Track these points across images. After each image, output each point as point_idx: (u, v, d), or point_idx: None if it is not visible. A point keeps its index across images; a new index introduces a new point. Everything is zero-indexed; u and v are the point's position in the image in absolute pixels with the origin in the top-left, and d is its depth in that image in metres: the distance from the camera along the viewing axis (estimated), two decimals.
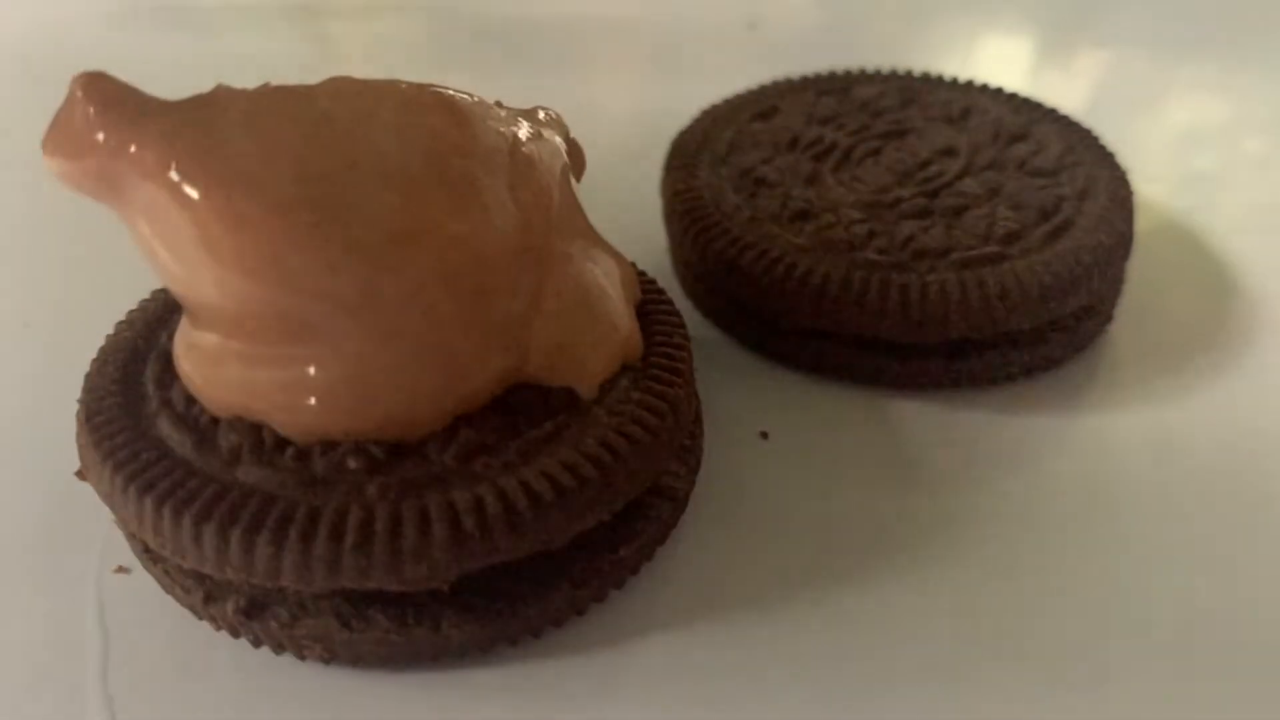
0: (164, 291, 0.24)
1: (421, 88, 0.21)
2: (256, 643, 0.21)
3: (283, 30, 0.49)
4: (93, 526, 0.24)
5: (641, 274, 0.26)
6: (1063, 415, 0.28)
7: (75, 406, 0.22)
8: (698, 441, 0.25)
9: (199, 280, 0.20)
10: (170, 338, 0.23)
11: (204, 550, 0.19)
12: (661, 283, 0.26)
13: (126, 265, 0.22)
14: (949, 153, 0.30)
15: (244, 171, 0.19)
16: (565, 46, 0.47)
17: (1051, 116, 0.33)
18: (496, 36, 0.47)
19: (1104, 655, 0.22)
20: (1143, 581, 0.23)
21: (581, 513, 0.20)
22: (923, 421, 0.27)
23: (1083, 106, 0.35)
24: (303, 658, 0.21)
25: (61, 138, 0.19)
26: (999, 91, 0.34)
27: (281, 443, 0.20)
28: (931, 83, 0.34)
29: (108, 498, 0.21)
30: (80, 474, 0.22)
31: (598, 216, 0.25)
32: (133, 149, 0.19)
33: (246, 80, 0.21)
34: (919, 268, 0.27)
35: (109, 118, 0.19)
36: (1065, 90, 0.43)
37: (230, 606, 0.21)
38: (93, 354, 0.24)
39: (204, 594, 0.21)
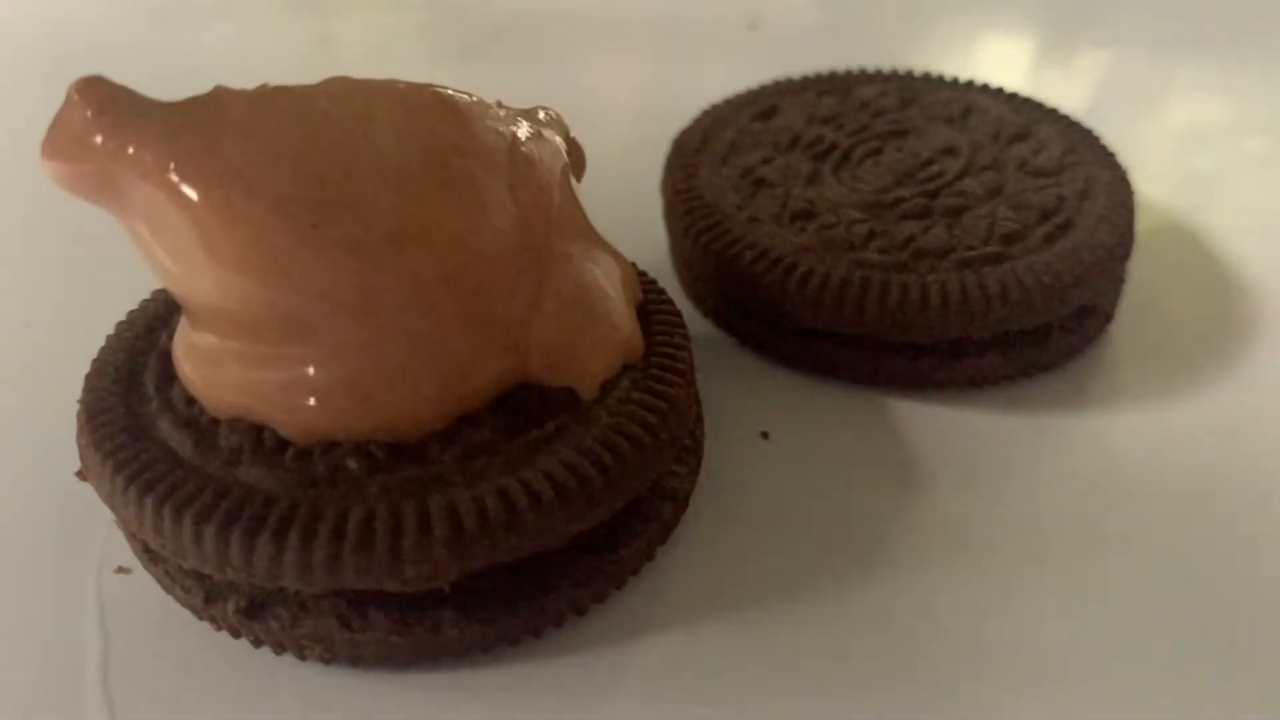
0: (164, 292, 0.24)
1: (421, 88, 0.21)
2: (257, 643, 0.21)
3: (282, 30, 0.49)
4: (93, 527, 0.24)
5: (642, 274, 0.26)
6: (1063, 415, 0.28)
7: (76, 407, 0.22)
8: (698, 441, 0.25)
9: (199, 281, 0.20)
10: (170, 338, 0.23)
11: (204, 550, 0.19)
12: (662, 282, 0.26)
13: (127, 266, 0.22)
14: (949, 153, 0.30)
15: (243, 172, 0.19)
16: (566, 46, 0.47)
17: (1052, 116, 0.33)
18: (497, 36, 0.47)
19: (1105, 655, 0.22)
20: (1143, 581, 0.23)
21: (582, 513, 0.20)
22: (923, 421, 0.27)
23: (1083, 106, 0.35)
24: (303, 658, 0.21)
25: (60, 141, 0.19)
26: (999, 91, 0.34)
27: (282, 443, 0.20)
28: (932, 83, 0.34)
29: (108, 498, 0.21)
30: (80, 474, 0.22)
31: (598, 216, 0.25)
32: (131, 150, 0.19)
33: (245, 81, 0.21)
34: (919, 268, 0.27)
35: (107, 120, 0.19)
36: (1066, 90, 0.43)
37: (231, 607, 0.21)
38: (93, 354, 0.24)
39: (204, 594, 0.21)
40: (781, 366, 0.29)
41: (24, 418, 0.27)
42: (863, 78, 0.35)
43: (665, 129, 0.33)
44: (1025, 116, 0.32)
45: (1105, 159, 0.31)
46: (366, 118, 0.20)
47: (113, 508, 0.21)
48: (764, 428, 0.27)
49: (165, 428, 0.21)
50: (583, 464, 0.20)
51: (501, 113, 0.22)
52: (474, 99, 0.22)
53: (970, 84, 0.34)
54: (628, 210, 0.29)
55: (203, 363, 0.21)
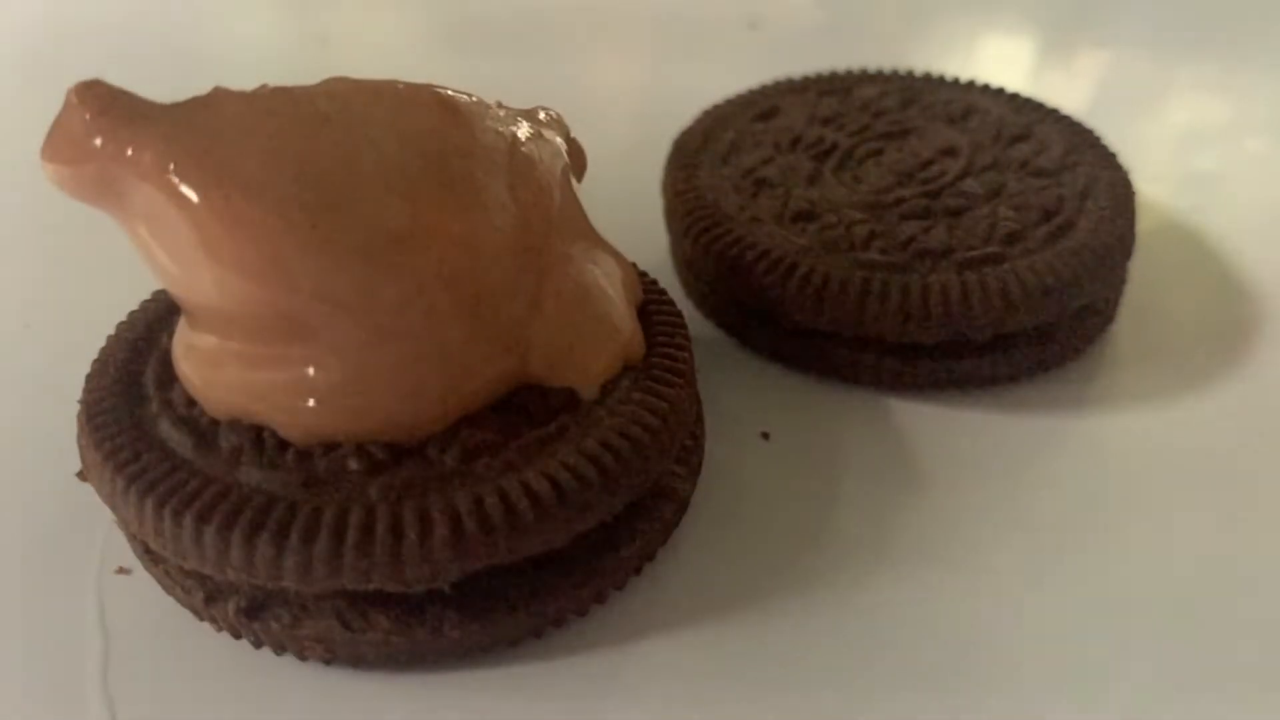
0: (165, 292, 0.24)
1: (420, 88, 0.21)
2: (257, 643, 0.21)
3: (282, 30, 0.49)
4: (93, 527, 0.24)
5: (643, 274, 0.26)
6: (1064, 415, 0.28)
7: (76, 407, 0.22)
8: (699, 442, 0.25)
9: (199, 282, 0.20)
10: (171, 338, 0.23)
11: (205, 551, 0.19)
12: (663, 283, 0.26)
13: (127, 266, 0.22)
14: (950, 153, 0.30)
15: (243, 173, 0.19)
16: (566, 46, 0.47)
17: (1053, 117, 0.33)
18: (497, 36, 0.47)
19: (1105, 656, 0.22)
20: (1144, 582, 0.23)
21: (582, 513, 0.20)
22: (924, 422, 0.27)
23: (1084, 106, 0.35)
24: (304, 658, 0.21)
25: (60, 144, 0.19)
26: (1000, 92, 0.34)
27: (282, 444, 0.20)
28: (933, 83, 0.34)
29: (109, 499, 0.21)
30: (81, 475, 0.22)
31: (599, 217, 0.24)
32: (130, 152, 0.19)
33: (245, 81, 0.21)
34: (920, 268, 0.27)
35: (106, 122, 0.19)
36: (1067, 90, 0.43)
37: (231, 607, 0.21)
38: (94, 355, 0.24)
39: (205, 595, 0.21)
40: (782, 367, 0.29)
41: (24, 418, 0.27)
42: (863, 78, 0.35)
43: (666, 129, 0.33)
44: (1026, 117, 0.32)
45: (1106, 159, 0.31)
46: (366, 118, 0.20)
47: (113, 508, 0.21)
48: (764, 428, 0.27)
49: (166, 428, 0.21)
50: (583, 465, 0.20)
51: (501, 113, 0.22)
52: (474, 99, 0.22)
53: (971, 84, 0.34)
54: (628, 211, 0.29)
55: (202, 364, 0.21)
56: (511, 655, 0.22)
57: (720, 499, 0.25)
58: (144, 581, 0.23)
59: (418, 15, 0.50)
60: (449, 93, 0.22)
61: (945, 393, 0.28)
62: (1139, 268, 0.31)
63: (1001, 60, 0.48)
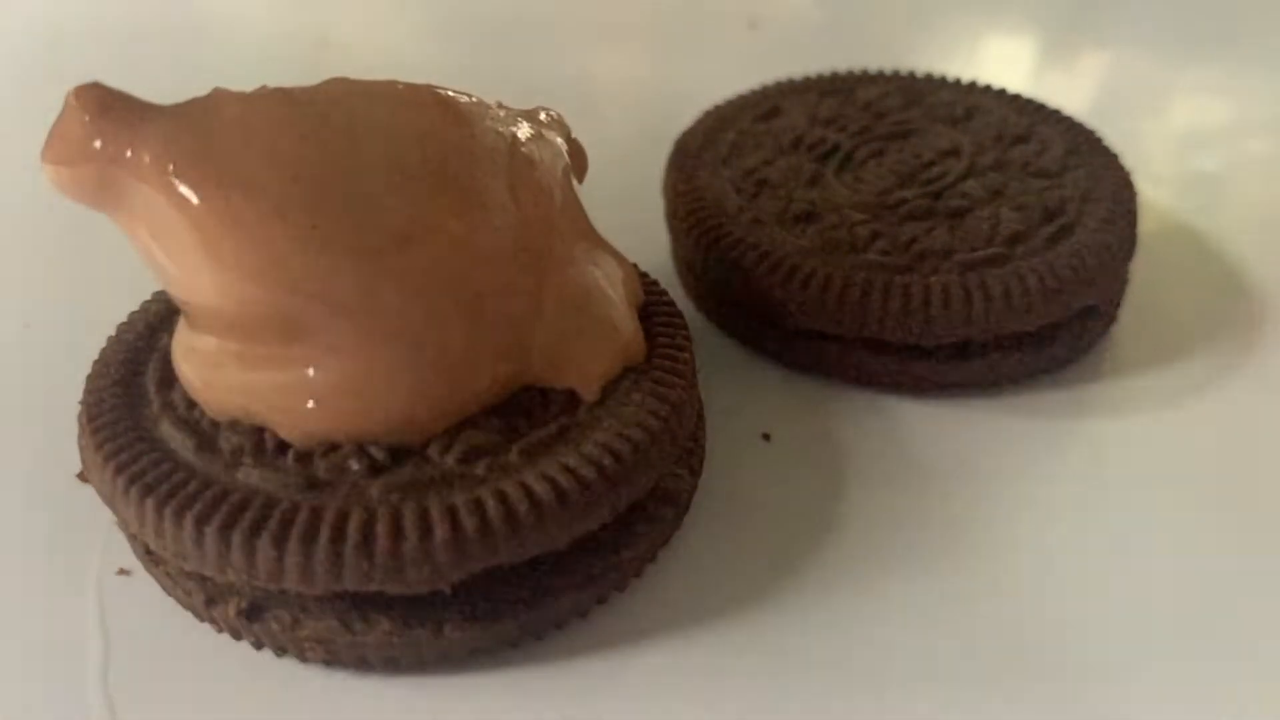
0: (165, 293, 0.24)
1: (420, 88, 0.21)
2: (258, 645, 0.21)
3: (282, 30, 0.49)
4: (94, 528, 0.24)
5: (644, 275, 0.25)
6: (1066, 417, 0.27)
7: (77, 408, 0.22)
8: (700, 443, 0.25)
9: (199, 283, 0.20)
10: (171, 339, 0.23)
11: (205, 552, 0.19)
12: (664, 284, 0.26)
13: (128, 267, 0.22)
14: (952, 154, 0.30)
15: (242, 174, 0.19)
16: (567, 46, 0.47)
17: (1055, 117, 0.33)
18: (498, 36, 0.47)
19: (1107, 656, 0.22)
20: (1146, 583, 0.23)
21: (583, 516, 0.20)
22: (926, 424, 0.27)
23: (1086, 107, 0.35)
24: (304, 660, 0.21)
25: (60, 147, 0.19)
26: (1002, 92, 0.34)
27: (283, 445, 0.20)
28: (934, 84, 0.34)
29: (109, 500, 0.21)
30: (82, 476, 0.22)
31: (600, 218, 0.24)
32: (129, 153, 0.19)
33: (245, 82, 0.21)
34: (922, 269, 0.27)
35: (105, 124, 0.19)
36: (1068, 91, 0.43)
37: (232, 609, 0.21)
38: (94, 355, 0.24)
39: (205, 596, 0.21)
40: (783, 368, 0.29)
41: (25, 419, 0.27)
42: (865, 78, 0.35)
43: (667, 130, 0.33)
44: (1028, 118, 0.32)
45: (1108, 160, 0.31)
46: (366, 119, 0.20)
47: (114, 509, 0.21)
48: (765, 429, 0.27)
49: (166, 429, 0.21)
50: (584, 467, 0.20)
51: (502, 113, 0.22)
52: (474, 99, 0.22)
53: (973, 85, 0.34)
54: (629, 211, 0.29)
55: (202, 365, 0.21)
56: (512, 657, 0.21)
57: (721, 500, 0.25)
58: (144, 583, 0.23)
59: (418, 15, 0.50)
60: (449, 93, 0.22)
61: (947, 394, 0.28)
62: (1141, 269, 0.31)
63: (1003, 61, 0.48)
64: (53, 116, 0.20)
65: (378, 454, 0.20)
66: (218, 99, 0.20)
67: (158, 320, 0.24)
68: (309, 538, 0.19)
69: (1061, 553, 0.24)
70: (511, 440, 0.21)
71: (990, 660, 0.22)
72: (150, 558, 0.22)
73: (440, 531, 0.19)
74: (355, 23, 0.50)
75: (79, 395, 0.23)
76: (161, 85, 0.22)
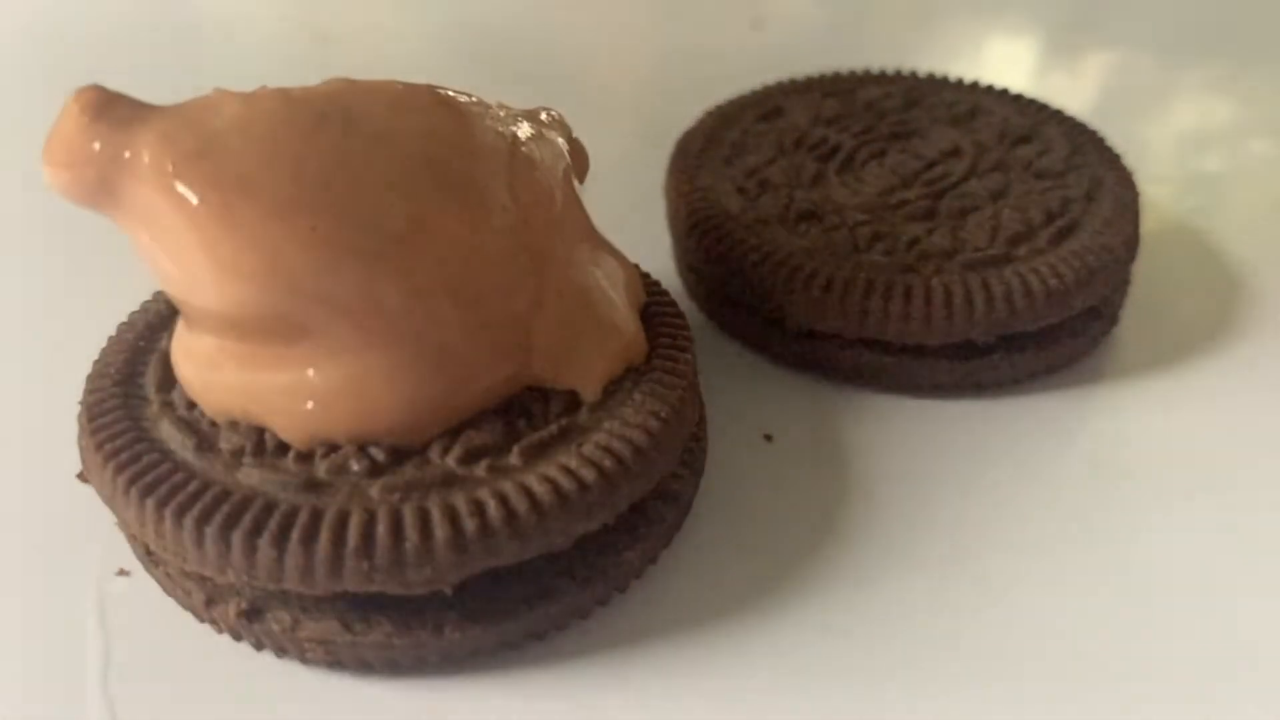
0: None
1: (419, 88, 0.21)
2: (258, 646, 0.21)
3: (282, 30, 0.49)
4: (94, 529, 0.23)
5: (645, 276, 0.25)
6: (1068, 418, 0.27)
7: (76, 408, 0.22)
8: (701, 444, 0.25)
9: (198, 284, 0.19)
10: (171, 339, 0.23)
11: (205, 553, 0.19)
12: (665, 284, 0.26)
13: (128, 267, 0.21)
14: (954, 154, 0.30)
15: (242, 175, 0.19)
16: (568, 46, 0.47)
17: (1057, 118, 0.32)
18: (499, 36, 0.47)
19: (1108, 657, 0.22)
20: (1148, 584, 0.23)
21: (584, 517, 0.20)
22: (928, 424, 0.27)
23: (1089, 107, 0.35)
24: (305, 661, 0.21)
25: (59, 148, 0.19)
26: (1004, 93, 0.34)
27: (283, 445, 0.20)
28: (937, 84, 0.34)
29: (109, 500, 0.21)
30: (81, 476, 0.22)
31: (601, 218, 0.24)
32: (128, 155, 0.19)
33: (244, 82, 0.21)
34: (924, 270, 0.27)
35: (104, 125, 0.19)
36: (1071, 91, 0.43)
37: (232, 609, 0.21)
38: (94, 355, 0.23)
39: (205, 597, 0.21)
40: (785, 369, 0.29)
41: (25, 419, 0.27)
42: (867, 79, 0.35)
43: (668, 130, 0.33)
44: (1030, 118, 0.32)
45: (1111, 160, 0.31)
46: (366, 118, 0.20)
47: (114, 510, 0.21)
48: (767, 430, 0.27)
49: (166, 429, 0.21)
50: (585, 468, 0.20)
51: (502, 113, 0.22)
52: (474, 99, 0.22)
53: (975, 85, 0.34)
54: (631, 212, 0.29)
55: (201, 365, 0.21)
56: (513, 658, 0.21)
57: (723, 501, 0.25)
58: (144, 583, 0.22)
59: (418, 15, 0.50)
60: (449, 93, 0.22)
61: (948, 394, 0.28)
62: (1143, 270, 0.30)
63: (1006, 61, 0.48)
64: (52, 117, 0.20)
65: (378, 455, 0.20)
66: (217, 99, 0.20)
67: (158, 320, 0.24)
68: (309, 538, 0.19)
69: (1062, 553, 0.24)
70: (512, 441, 0.21)
71: (991, 660, 0.22)
72: (150, 558, 0.22)
73: (441, 532, 0.19)
74: (355, 22, 0.50)
75: (79, 395, 0.23)
76: (161, 85, 0.22)
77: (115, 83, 0.20)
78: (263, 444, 0.20)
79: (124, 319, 0.24)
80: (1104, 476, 0.26)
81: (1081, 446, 0.27)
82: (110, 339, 0.24)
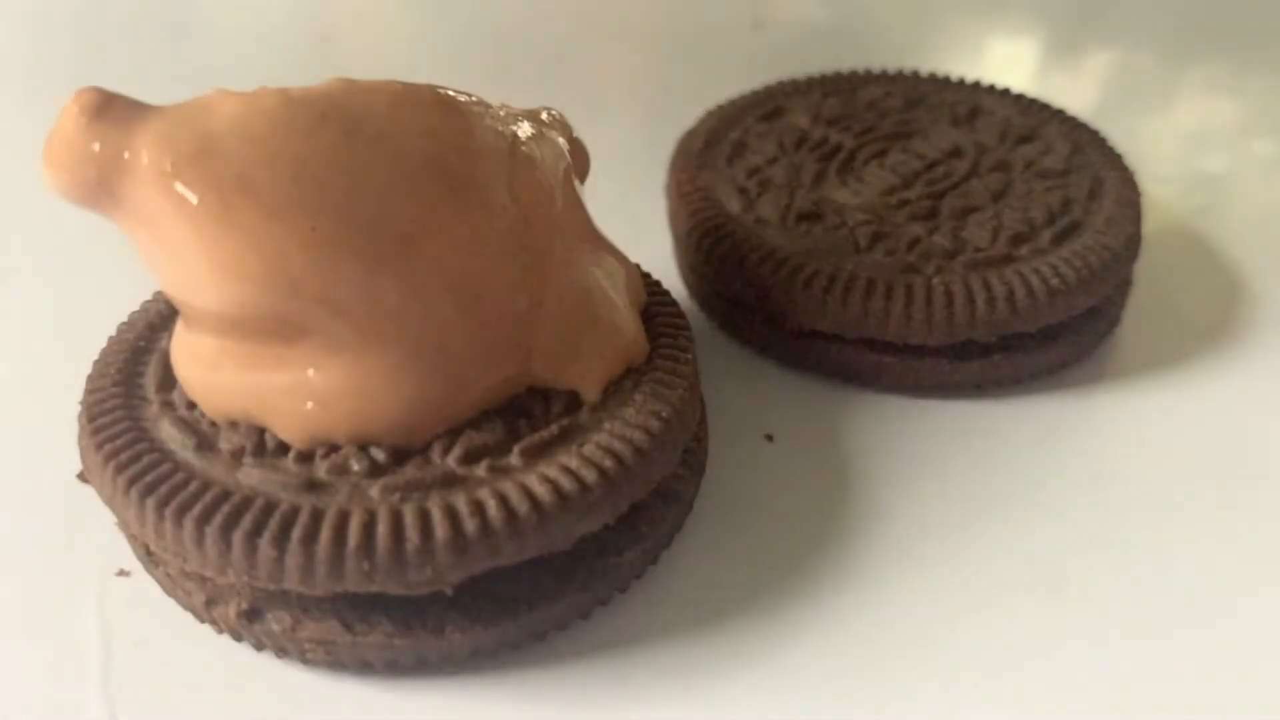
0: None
1: (420, 88, 0.21)
2: (259, 646, 0.21)
3: (282, 30, 0.49)
4: (94, 529, 0.23)
5: (646, 276, 0.25)
6: (1069, 418, 0.27)
7: (76, 408, 0.22)
8: (702, 444, 0.24)
9: (198, 285, 0.19)
10: (171, 340, 0.23)
11: (206, 553, 0.19)
12: (666, 284, 0.26)
13: (128, 267, 0.21)
14: (956, 154, 0.30)
15: (241, 175, 0.19)
16: (569, 46, 0.47)
17: (1059, 117, 0.32)
18: (500, 35, 0.47)
19: (1108, 657, 0.21)
20: (1149, 584, 0.23)
21: (584, 517, 0.20)
22: (928, 424, 0.27)
23: (1091, 107, 0.35)
24: (305, 661, 0.21)
25: (58, 150, 0.19)
26: (1006, 92, 0.34)
27: (283, 445, 0.20)
28: (938, 83, 0.34)
29: (109, 500, 0.21)
30: (82, 476, 0.22)
31: (602, 217, 0.24)
32: (128, 156, 0.19)
33: (244, 82, 0.21)
34: (926, 270, 0.27)
35: (103, 126, 0.19)
36: (1073, 91, 0.43)
37: (232, 610, 0.21)
38: (94, 355, 0.23)
39: (206, 597, 0.21)
40: (786, 369, 0.29)
41: (25, 419, 0.27)
42: (869, 78, 0.35)
43: (669, 130, 0.33)
44: (1032, 118, 0.32)
45: (1112, 160, 0.31)
46: (366, 118, 0.20)
47: (114, 510, 0.21)
48: (768, 430, 0.27)
49: (167, 429, 0.21)
50: (585, 468, 0.20)
51: (502, 113, 0.22)
52: (474, 99, 0.22)
53: (977, 85, 0.34)
54: (632, 212, 0.29)
55: (201, 366, 0.21)
56: (514, 658, 0.21)
57: (723, 501, 0.25)
58: (145, 584, 0.22)
59: (418, 15, 0.50)
60: (449, 93, 0.22)
61: (949, 394, 0.28)
62: (1145, 270, 0.30)
63: (1007, 61, 0.48)
64: (52, 117, 0.20)
65: (378, 455, 0.20)
66: (216, 99, 0.20)
67: (158, 320, 0.24)
68: (310, 538, 0.19)
69: (1063, 553, 0.24)
70: (513, 441, 0.21)
71: (991, 660, 0.21)
72: (150, 558, 0.22)
73: (441, 532, 0.19)
74: (356, 22, 0.50)
75: (79, 395, 0.23)
76: (161, 85, 0.22)
77: (115, 83, 0.20)
78: (263, 444, 0.20)
79: (124, 319, 0.24)
80: (1105, 477, 0.26)
81: (1082, 447, 0.27)
82: (110, 339, 0.24)
